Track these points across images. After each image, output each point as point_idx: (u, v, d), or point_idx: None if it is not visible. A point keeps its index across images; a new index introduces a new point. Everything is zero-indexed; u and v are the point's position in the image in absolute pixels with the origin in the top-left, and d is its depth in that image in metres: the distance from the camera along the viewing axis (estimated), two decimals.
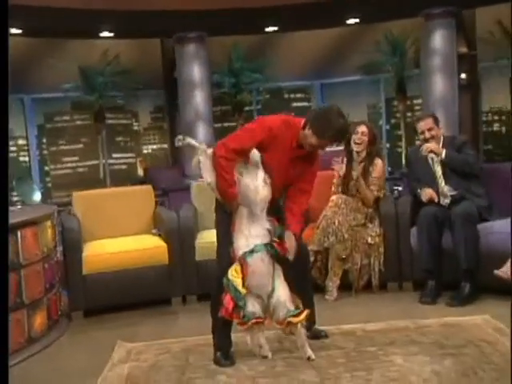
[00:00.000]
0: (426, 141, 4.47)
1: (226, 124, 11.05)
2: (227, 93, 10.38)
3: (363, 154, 4.66)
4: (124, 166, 11.48)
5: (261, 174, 3.13)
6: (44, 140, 11.04)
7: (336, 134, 3.20)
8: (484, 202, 4.38)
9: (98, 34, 9.22)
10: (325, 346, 3.41)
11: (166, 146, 11.44)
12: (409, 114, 10.80)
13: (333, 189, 4.73)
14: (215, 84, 10.11)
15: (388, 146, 11.23)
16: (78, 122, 11.27)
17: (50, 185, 11.09)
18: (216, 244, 3.33)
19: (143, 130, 11.51)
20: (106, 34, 9.33)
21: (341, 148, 4.62)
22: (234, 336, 3.34)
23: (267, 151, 3.17)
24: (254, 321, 3.06)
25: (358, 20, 9.59)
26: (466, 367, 2.96)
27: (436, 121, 4.53)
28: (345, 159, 4.68)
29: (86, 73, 10.06)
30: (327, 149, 3.50)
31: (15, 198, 8.91)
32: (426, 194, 4.39)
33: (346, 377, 2.96)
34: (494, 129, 10.91)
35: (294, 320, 3.09)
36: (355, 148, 4.63)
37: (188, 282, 4.59)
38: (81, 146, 11.27)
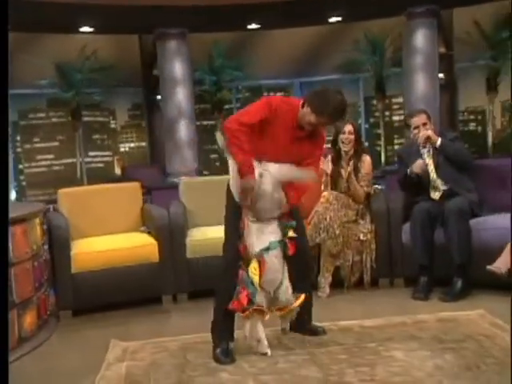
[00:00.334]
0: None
1: (205, 122, 11.00)
2: (208, 90, 10.33)
3: (351, 153, 4.68)
4: (101, 165, 11.33)
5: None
6: (18, 137, 10.83)
7: (334, 111, 3.18)
8: (475, 197, 4.42)
9: (77, 28, 9.06)
10: (324, 342, 3.39)
11: (144, 144, 11.34)
12: (387, 113, 10.91)
13: (322, 187, 4.73)
14: (196, 82, 10.05)
15: (367, 144, 11.31)
16: (54, 120, 11.09)
17: (24, 183, 10.89)
18: (224, 239, 3.29)
19: (120, 128, 11.38)
20: (86, 28, 9.16)
21: (328, 146, 4.64)
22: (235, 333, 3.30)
23: (270, 129, 3.15)
24: (255, 307, 3.07)
25: (340, 18, 9.63)
26: (467, 361, 2.97)
27: (428, 116, 4.57)
28: (329, 157, 4.70)
29: (62, 69, 9.91)
30: None
31: None
32: (417, 164, 4.41)
33: (350, 372, 2.94)
34: (470, 128, 11.10)
35: (292, 306, 3.18)
36: (343, 147, 4.66)
37: (179, 280, 4.52)
38: (56, 143, 11.09)
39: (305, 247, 3.44)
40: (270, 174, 3.13)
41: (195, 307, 4.38)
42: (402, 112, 10.69)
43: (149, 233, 4.72)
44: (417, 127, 4.48)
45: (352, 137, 4.64)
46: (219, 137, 3.42)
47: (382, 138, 10.73)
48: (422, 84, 9.27)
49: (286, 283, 3.19)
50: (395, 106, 11.06)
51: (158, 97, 10.27)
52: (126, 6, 7.74)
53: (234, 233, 3.19)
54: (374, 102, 10.95)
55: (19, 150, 10.86)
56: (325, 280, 4.46)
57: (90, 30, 9.27)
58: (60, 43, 9.73)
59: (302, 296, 3.23)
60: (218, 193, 4.90)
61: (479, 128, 10.97)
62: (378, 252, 4.52)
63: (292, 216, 3.27)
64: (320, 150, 3.39)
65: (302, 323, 3.44)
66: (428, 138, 4.41)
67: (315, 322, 3.55)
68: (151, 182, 8.71)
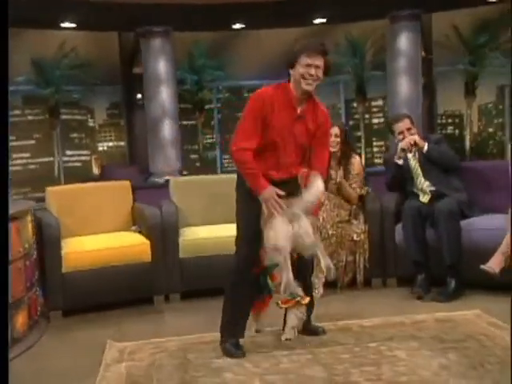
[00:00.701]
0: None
1: (185, 122, 10.90)
2: (189, 90, 10.25)
3: (338, 154, 4.69)
4: (78, 164, 11.15)
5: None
6: None
7: (313, 41, 3.31)
8: (464, 196, 4.46)
9: (58, 24, 8.89)
10: (324, 342, 3.38)
11: (123, 143, 11.20)
12: (367, 116, 10.98)
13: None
14: (178, 81, 9.97)
15: None
16: (30, 118, 10.87)
17: None
18: (236, 235, 3.27)
19: (99, 127, 11.22)
20: (67, 24, 8.99)
21: None
22: None
23: (272, 118, 3.13)
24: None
25: (324, 20, 9.65)
26: (471, 360, 2.98)
27: (412, 121, 4.62)
28: None
29: (40, 65, 9.71)
30: None
31: None
32: (406, 141, 4.42)
33: (355, 372, 2.93)
34: (448, 131, 11.25)
35: (303, 301, 3.28)
36: (331, 149, 4.65)
37: (171, 280, 4.46)
38: (33, 142, 10.87)
39: None
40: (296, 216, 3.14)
41: (188, 307, 4.33)
42: (381, 115, 10.78)
43: (140, 232, 4.65)
44: (401, 132, 4.52)
45: (338, 139, 4.66)
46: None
47: (362, 141, 10.80)
48: (405, 87, 9.37)
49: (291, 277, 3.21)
50: (375, 109, 11.15)
51: (138, 95, 10.15)
52: (110, 3, 7.63)
53: (248, 229, 3.17)
54: (355, 104, 11.01)
55: None
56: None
57: (72, 25, 9.10)
58: (38, 39, 9.54)
59: (308, 298, 3.30)
60: (208, 192, 4.95)
61: (457, 131, 11.13)
62: (371, 252, 4.53)
63: None
64: (326, 124, 3.33)
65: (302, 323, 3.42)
66: (415, 144, 4.45)
67: (314, 322, 3.54)
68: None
